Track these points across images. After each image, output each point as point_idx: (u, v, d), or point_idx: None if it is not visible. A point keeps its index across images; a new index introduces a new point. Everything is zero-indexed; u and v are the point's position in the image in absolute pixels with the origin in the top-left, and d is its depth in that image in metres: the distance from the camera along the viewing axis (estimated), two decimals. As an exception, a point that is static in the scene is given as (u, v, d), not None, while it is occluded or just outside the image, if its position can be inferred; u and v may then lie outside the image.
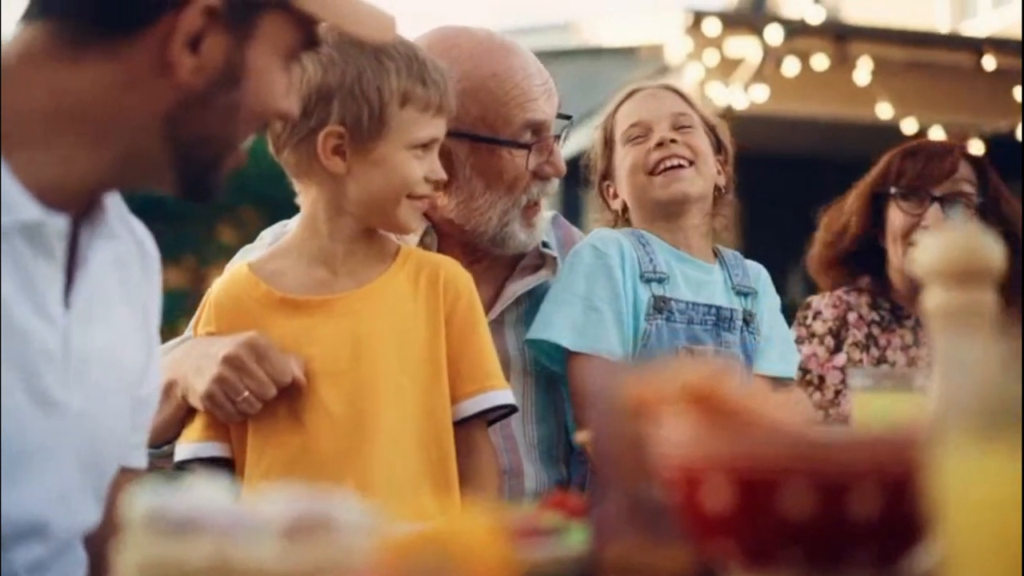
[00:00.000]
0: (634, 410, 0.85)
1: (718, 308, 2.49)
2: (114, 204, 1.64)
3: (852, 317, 3.09)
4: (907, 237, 3.01)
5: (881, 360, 3.04)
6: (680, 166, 2.49)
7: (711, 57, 9.34)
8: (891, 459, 0.76)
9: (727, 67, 9.31)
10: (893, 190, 3.04)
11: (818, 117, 9.85)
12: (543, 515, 1.18)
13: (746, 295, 2.57)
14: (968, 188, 3.00)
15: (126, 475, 1.73)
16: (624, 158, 2.54)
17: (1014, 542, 0.64)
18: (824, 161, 12.05)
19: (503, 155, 2.41)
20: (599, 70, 11.75)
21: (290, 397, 2.14)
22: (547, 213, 2.71)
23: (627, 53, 11.12)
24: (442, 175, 2.17)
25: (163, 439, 2.26)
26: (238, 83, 1.52)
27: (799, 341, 3.10)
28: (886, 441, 0.77)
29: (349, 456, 2.13)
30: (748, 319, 2.54)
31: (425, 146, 2.15)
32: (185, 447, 2.24)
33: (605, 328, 2.39)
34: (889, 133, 9.00)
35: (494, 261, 2.56)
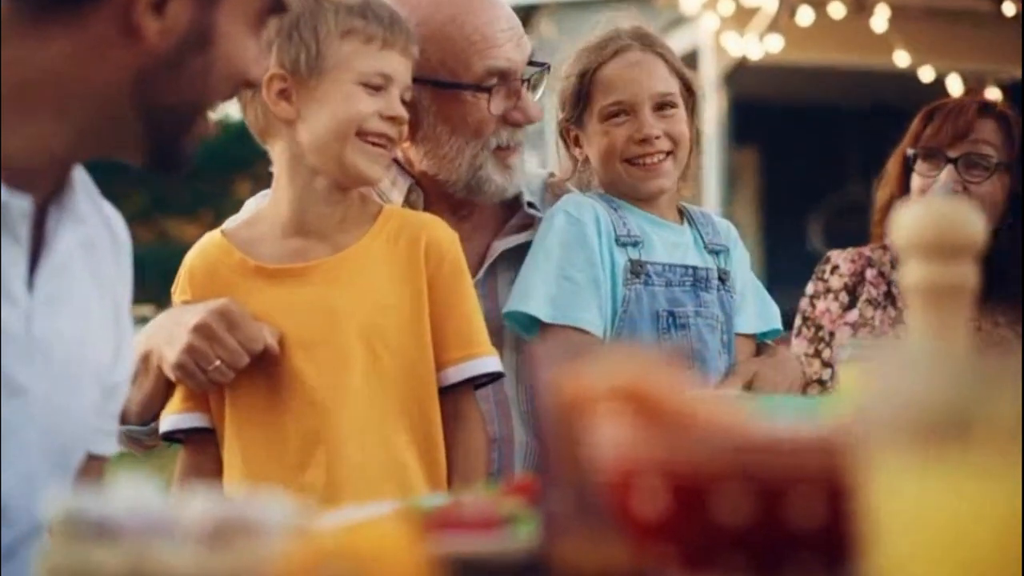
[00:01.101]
0: (570, 408, 0.80)
1: (694, 268, 2.46)
2: (84, 185, 1.61)
3: (870, 273, 3.00)
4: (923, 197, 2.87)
5: (897, 321, 2.97)
6: (660, 160, 2.44)
7: (726, 6, 9.22)
8: (834, 463, 0.72)
9: (743, 16, 9.19)
10: (910, 152, 2.94)
11: (835, 66, 9.72)
12: (502, 502, 1.14)
13: (718, 253, 2.53)
14: (987, 149, 2.88)
15: (92, 462, 1.70)
16: (599, 135, 2.46)
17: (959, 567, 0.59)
18: (842, 110, 11.96)
19: (466, 99, 2.38)
20: (616, 20, 11.64)
21: (266, 368, 2.12)
22: (539, 170, 2.70)
23: (643, 3, 10.98)
24: (398, 111, 2.11)
25: (149, 414, 2.24)
26: (207, 46, 1.48)
27: (815, 296, 3.04)
28: (829, 443, 0.72)
29: (325, 428, 2.10)
30: (723, 277, 2.51)
31: (378, 86, 2.09)
32: (167, 419, 2.24)
33: (581, 298, 2.34)
34: (906, 81, 8.91)
35: (482, 218, 2.54)
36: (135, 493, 0.88)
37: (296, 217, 2.17)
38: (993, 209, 2.83)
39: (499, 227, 2.56)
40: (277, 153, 2.18)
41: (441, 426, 2.17)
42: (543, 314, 2.34)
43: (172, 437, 2.28)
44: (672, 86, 2.46)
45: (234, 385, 2.14)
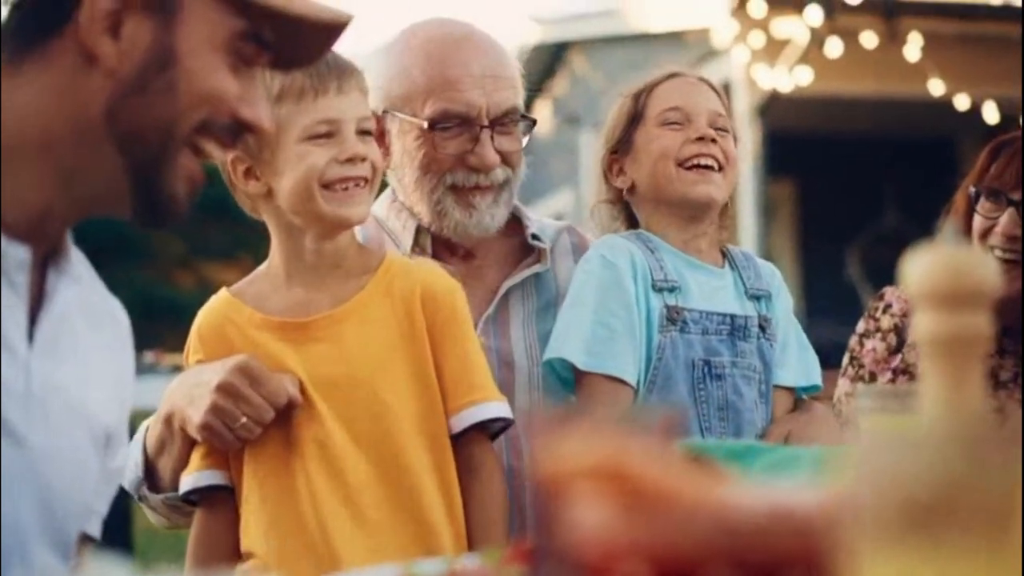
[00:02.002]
0: (551, 484, 0.76)
1: (732, 316, 2.39)
2: (86, 267, 1.62)
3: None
4: (984, 240, 2.73)
5: None
6: (712, 167, 2.38)
7: (757, 39, 9.19)
8: (819, 545, 0.67)
9: (773, 48, 9.16)
10: (973, 190, 2.78)
11: (868, 96, 9.68)
12: (502, 570, 1.10)
13: (759, 299, 2.46)
14: None
15: (84, 543, 1.68)
16: (654, 139, 2.41)
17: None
18: (877, 140, 11.88)
19: (421, 136, 2.43)
20: (648, 55, 11.63)
21: (281, 420, 2.11)
22: (556, 223, 2.72)
23: (674, 38, 11.00)
24: (353, 151, 2.10)
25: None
26: (169, 65, 1.47)
27: (865, 335, 2.90)
28: (814, 524, 0.67)
29: (338, 482, 2.09)
30: (764, 325, 2.42)
31: (326, 133, 2.09)
32: (186, 479, 2.22)
33: (617, 345, 2.30)
34: (942, 110, 8.84)
35: (490, 257, 2.56)
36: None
37: (293, 272, 2.19)
38: None
39: (509, 264, 2.57)
40: (269, 223, 2.21)
41: (456, 477, 2.14)
42: (579, 361, 2.30)
43: (190, 497, 2.26)
44: (724, 114, 2.44)
45: (252, 443, 2.13)
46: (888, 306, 2.92)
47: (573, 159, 13.45)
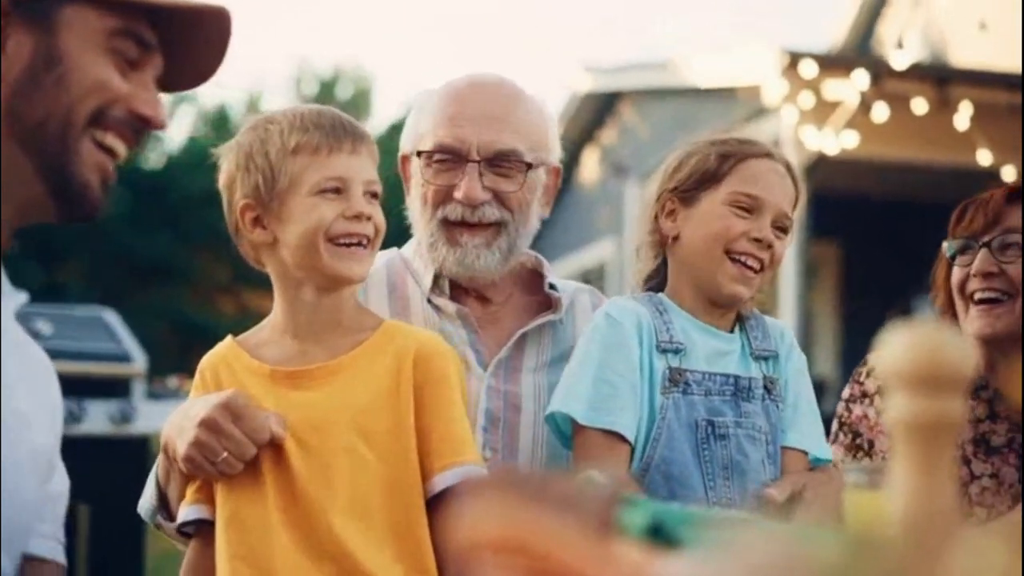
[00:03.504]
0: (465, 553, 0.74)
1: (736, 377, 2.39)
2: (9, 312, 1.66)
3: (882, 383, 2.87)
4: (963, 290, 2.81)
5: None
6: (755, 269, 2.39)
7: (806, 99, 9.16)
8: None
9: (823, 110, 9.13)
10: (946, 248, 2.86)
11: (916, 162, 9.61)
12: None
13: (766, 359, 2.45)
14: (1017, 236, 2.76)
15: (29, 563, 1.72)
16: (717, 217, 2.39)
17: None
18: (923, 205, 11.78)
19: (421, 170, 2.52)
20: (696, 110, 11.64)
21: (259, 463, 2.15)
22: (578, 284, 2.78)
23: (724, 94, 10.98)
24: (359, 209, 2.17)
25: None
26: (56, 63, 1.56)
27: (851, 400, 2.90)
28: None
29: (301, 523, 2.13)
30: (769, 386, 2.42)
31: (336, 188, 2.16)
32: (180, 511, 2.28)
33: (618, 402, 2.30)
34: (989, 180, 8.77)
35: (509, 305, 2.62)
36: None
37: (291, 323, 2.24)
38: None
39: (528, 314, 2.61)
40: (271, 274, 2.26)
41: (428, 536, 2.15)
42: (580, 416, 2.30)
43: (185, 531, 2.29)
44: (791, 212, 2.43)
45: (228, 478, 2.17)
46: (872, 370, 2.92)
47: (618, 208, 13.46)
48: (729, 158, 2.41)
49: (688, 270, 2.45)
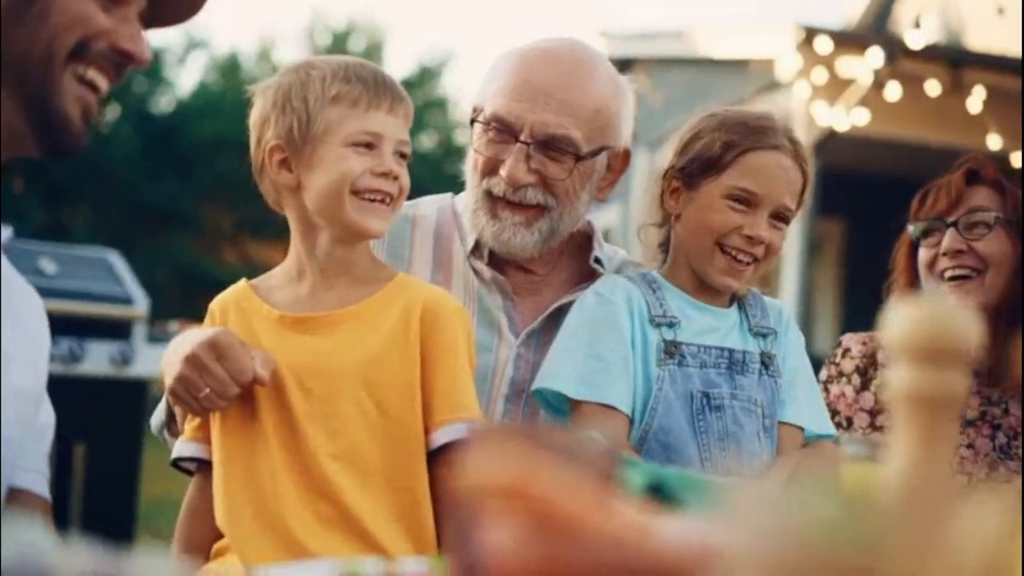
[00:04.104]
0: (466, 500, 0.74)
1: (731, 351, 2.40)
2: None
3: (882, 355, 2.95)
4: (932, 269, 2.94)
5: None
6: (747, 263, 2.39)
7: (819, 75, 9.14)
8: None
9: (836, 86, 9.11)
10: (912, 230, 2.99)
11: (926, 143, 9.59)
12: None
13: (764, 336, 2.46)
14: (982, 214, 2.89)
15: (26, 499, 1.75)
16: (712, 210, 2.39)
17: None
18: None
19: (477, 130, 2.50)
20: (710, 80, 11.61)
21: (252, 401, 2.17)
22: (624, 255, 2.73)
23: (738, 66, 10.95)
24: (389, 167, 2.17)
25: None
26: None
27: (828, 381, 3.00)
28: (711, 557, 0.65)
29: (301, 466, 2.14)
30: (766, 361, 2.43)
31: (368, 144, 2.16)
32: (176, 445, 2.33)
33: (609, 376, 2.32)
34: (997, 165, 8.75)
35: (551, 275, 2.60)
36: (27, 542, 0.84)
37: (305, 270, 2.25)
38: (1006, 263, 2.89)
39: (569, 284, 2.59)
40: (290, 218, 2.27)
41: (428, 490, 2.17)
42: (572, 391, 2.32)
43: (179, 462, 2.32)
44: (794, 203, 2.41)
45: (224, 417, 2.20)
46: (847, 350, 3.04)
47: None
48: (733, 148, 2.39)
49: (684, 251, 2.46)
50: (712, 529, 0.69)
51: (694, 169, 2.42)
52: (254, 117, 2.25)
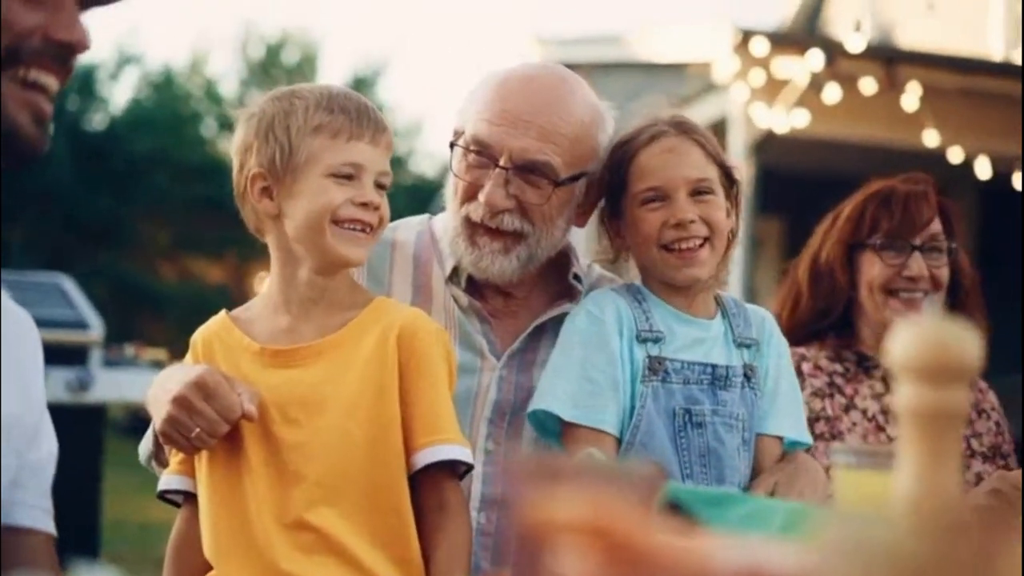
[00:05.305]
0: (536, 536, 0.78)
1: (714, 367, 2.42)
2: None
3: (807, 367, 3.02)
4: (886, 288, 2.99)
5: (850, 407, 2.98)
6: (695, 247, 2.40)
7: (757, 77, 9.23)
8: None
9: (773, 88, 9.20)
10: (873, 240, 3.00)
11: (863, 141, 9.71)
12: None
13: (748, 347, 2.49)
14: (940, 237, 3.01)
15: (28, 539, 1.73)
16: (637, 222, 2.42)
17: None
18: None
19: (457, 153, 2.51)
20: (648, 84, 11.67)
21: (242, 435, 2.20)
22: (603, 271, 2.72)
23: (676, 69, 11.03)
24: (369, 198, 2.20)
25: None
26: None
27: None
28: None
29: (284, 496, 2.17)
30: (749, 373, 2.46)
31: (349, 175, 2.19)
32: (162, 478, 2.32)
33: (601, 399, 2.34)
34: (934, 161, 8.88)
35: (531, 296, 2.60)
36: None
37: (284, 299, 2.28)
38: (940, 289, 3.01)
39: (547, 303, 2.60)
40: (270, 245, 2.29)
41: (411, 516, 2.20)
42: (564, 413, 2.34)
43: (169, 498, 2.33)
44: (709, 172, 2.42)
45: (210, 451, 2.22)
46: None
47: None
48: (619, 163, 2.44)
49: (646, 272, 2.49)
50: (774, 551, 0.73)
51: (610, 203, 2.49)
52: (237, 143, 2.27)
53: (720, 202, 2.43)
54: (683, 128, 2.45)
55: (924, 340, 1.12)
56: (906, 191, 3.03)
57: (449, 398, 2.26)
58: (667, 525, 0.78)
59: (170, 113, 25.58)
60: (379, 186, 2.23)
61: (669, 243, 2.39)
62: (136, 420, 14.45)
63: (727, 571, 0.74)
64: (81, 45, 1.56)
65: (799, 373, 2.98)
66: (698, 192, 2.40)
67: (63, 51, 1.55)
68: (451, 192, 2.53)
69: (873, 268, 3.00)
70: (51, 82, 1.55)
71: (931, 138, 8.78)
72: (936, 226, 3.00)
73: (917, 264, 2.97)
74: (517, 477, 0.90)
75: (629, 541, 0.74)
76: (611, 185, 2.47)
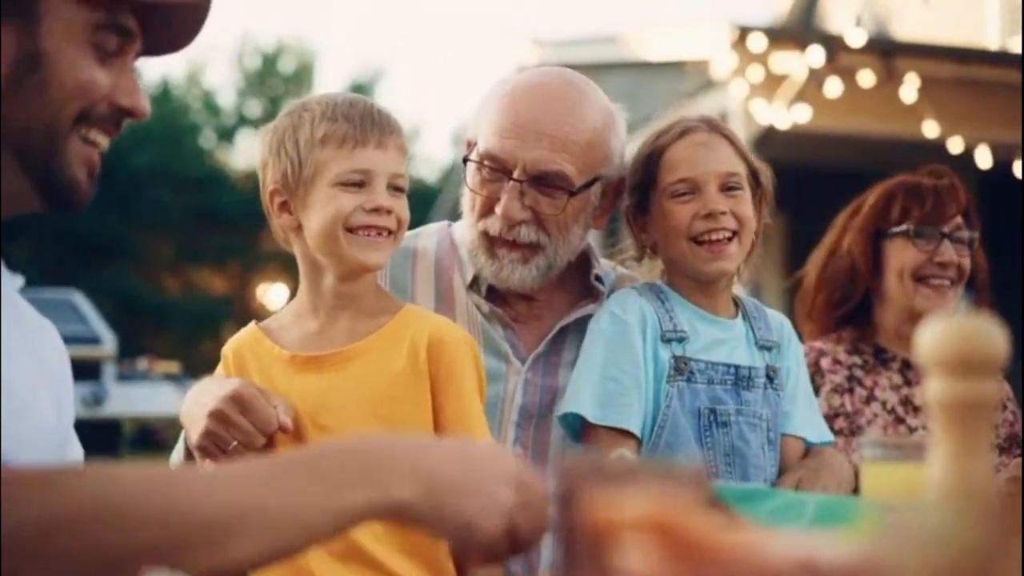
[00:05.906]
0: (596, 533, 0.82)
1: (737, 367, 2.45)
2: (13, 295, 1.68)
3: (826, 362, 3.06)
4: (917, 274, 3.04)
5: (871, 399, 3.03)
6: (724, 240, 2.41)
7: (755, 73, 9.26)
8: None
9: (772, 83, 9.23)
10: (906, 228, 3.05)
11: (864, 134, 9.74)
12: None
13: (769, 349, 2.52)
14: (964, 228, 3.08)
15: None
16: (666, 215, 2.44)
17: None
18: (870, 177, 11.92)
19: (471, 171, 2.53)
20: (645, 83, 11.70)
21: (271, 446, 2.21)
22: (623, 271, 2.72)
23: (673, 67, 11.07)
24: (380, 202, 2.21)
25: None
26: (39, 66, 1.53)
27: None
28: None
29: None
30: (771, 375, 2.49)
31: (358, 182, 2.21)
32: None
33: (625, 399, 2.37)
34: (935, 151, 8.91)
35: (553, 299, 2.62)
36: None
37: (312, 307, 2.31)
38: (963, 278, 3.07)
39: (569, 305, 2.62)
40: (297, 256, 2.32)
41: None
42: (590, 415, 2.36)
43: None
44: (738, 168, 2.44)
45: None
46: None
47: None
48: (652, 157, 2.46)
49: (674, 265, 2.50)
50: (827, 544, 0.77)
51: (639, 196, 2.50)
52: (258, 161, 2.31)
53: (748, 198, 2.45)
54: (713, 125, 2.49)
55: (953, 335, 1.15)
56: (934, 182, 3.09)
57: (480, 405, 2.27)
58: (719, 521, 0.81)
59: (168, 126, 25.63)
60: (396, 188, 2.24)
61: (699, 235, 2.41)
62: (146, 432, 14.46)
63: (784, 564, 0.77)
64: (140, 112, 1.64)
65: (818, 369, 3.02)
66: (728, 187, 2.42)
67: (123, 115, 1.62)
68: (468, 206, 2.54)
69: (904, 254, 3.05)
70: (105, 142, 1.62)
71: (931, 129, 8.82)
72: (959, 218, 3.06)
73: (948, 251, 3.02)
74: (574, 477, 0.93)
75: (691, 537, 0.77)
76: (639, 180, 2.49)
